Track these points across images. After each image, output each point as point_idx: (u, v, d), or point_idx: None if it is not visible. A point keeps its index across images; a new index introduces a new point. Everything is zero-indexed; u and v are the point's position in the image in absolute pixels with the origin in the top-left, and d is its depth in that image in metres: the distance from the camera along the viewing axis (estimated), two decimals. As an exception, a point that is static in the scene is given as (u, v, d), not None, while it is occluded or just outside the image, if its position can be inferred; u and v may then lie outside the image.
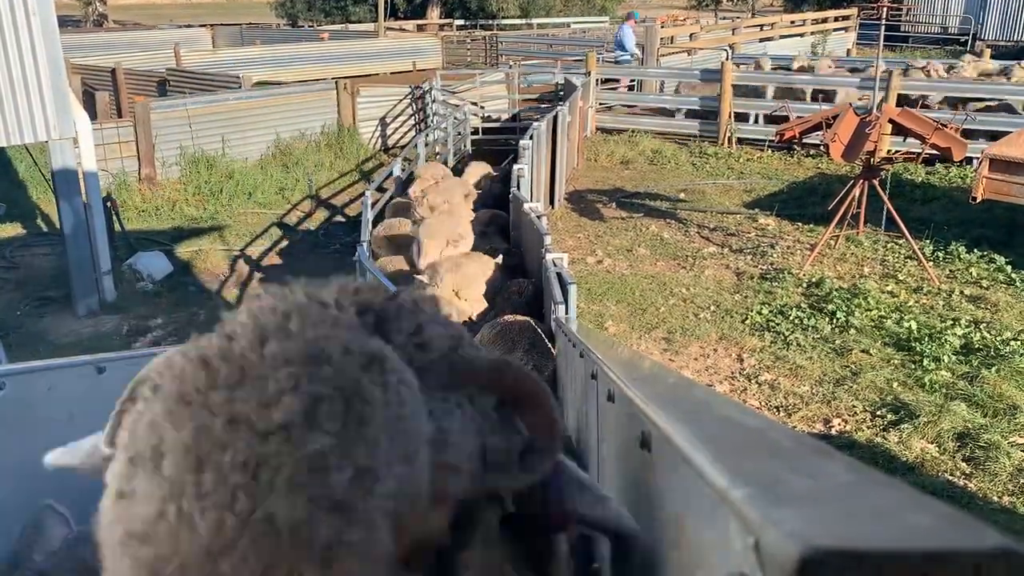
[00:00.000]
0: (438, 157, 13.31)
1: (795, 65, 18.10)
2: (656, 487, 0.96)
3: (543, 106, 15.93)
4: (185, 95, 14.61)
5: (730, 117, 15.37)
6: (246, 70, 17.49)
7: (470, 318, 5.60)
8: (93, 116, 12.54)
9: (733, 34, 24.58)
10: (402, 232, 6.92)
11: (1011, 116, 13.37)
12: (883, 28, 11.05)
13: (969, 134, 11.36)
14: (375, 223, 8.04)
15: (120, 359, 2.10)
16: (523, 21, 36.77)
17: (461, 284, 5.44)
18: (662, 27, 20.90)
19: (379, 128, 15.99)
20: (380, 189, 9.95)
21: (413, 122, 16.29)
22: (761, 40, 25.67)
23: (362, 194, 7.51)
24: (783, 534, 0.53)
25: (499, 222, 7.72)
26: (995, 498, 5.52)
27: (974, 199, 9.52)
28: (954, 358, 7.30)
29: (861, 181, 9.60)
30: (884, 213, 9.91)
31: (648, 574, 1.04)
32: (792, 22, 27.96)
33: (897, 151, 10.85)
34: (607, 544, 1.05)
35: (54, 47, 8.39)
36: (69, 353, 6.88)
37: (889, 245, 10.19)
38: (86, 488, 1.83)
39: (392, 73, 21.35)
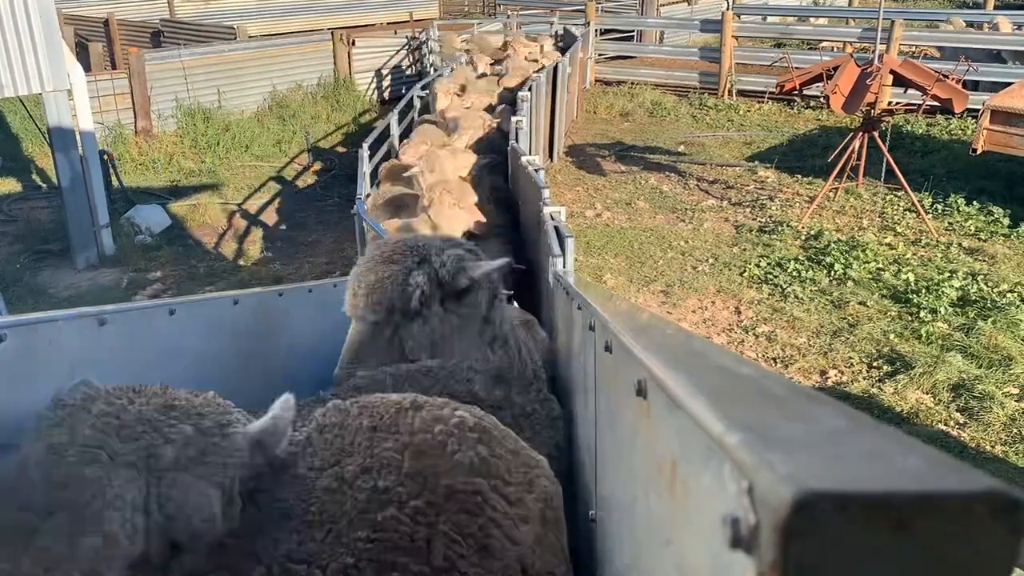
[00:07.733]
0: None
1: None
2: (651, 434, 0.97)
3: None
4: (180, 46, 14.42)
5: (730, 68, 15.21)
6: (241, 20, 17.23)
7: (472, 231, 5.28)
8: (87, 68, 12.39)
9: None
10: (402, 197, 6.61)
11: (1014, 67, 13.21)
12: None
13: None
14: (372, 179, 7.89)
15: (121, 311, 2.10)
16: (521, -31, 36.08)
17: (458, 195, 5.18)
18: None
19: (376, 79, 15.81)
20: (376, 143, 9.84)
21: (410, 72, 16.10)
22: (763, -11, 25.22)
23: (359, 147, 7.42)
24: (777, 477, 0.53)
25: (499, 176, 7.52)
26: (988, 447, 5.59)
27: (974, 151, 9.46)
28: (951, 310, 7.33)
29: (861, 133, 9.54)
30: (884, 165, 9.86)
31: (642, 520, 1.06)
32: (794, -30, 27.45)
33: (898, 103, 10.76)
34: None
35: (45, -4, 8.25)
36: (69, 306, 6.89)
37: (888, 197, 10.16)
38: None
39: (389, 23, 21.03)
